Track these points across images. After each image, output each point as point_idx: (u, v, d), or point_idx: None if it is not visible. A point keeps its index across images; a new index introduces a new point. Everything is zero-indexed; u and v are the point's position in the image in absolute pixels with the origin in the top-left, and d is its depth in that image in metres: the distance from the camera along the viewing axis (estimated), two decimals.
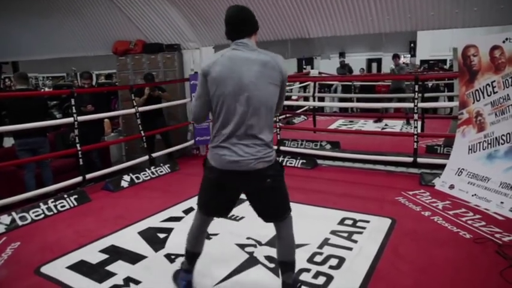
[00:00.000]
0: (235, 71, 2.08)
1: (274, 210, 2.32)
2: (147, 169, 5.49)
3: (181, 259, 3.03)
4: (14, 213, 3.94)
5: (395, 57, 9.25)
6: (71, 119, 4.68)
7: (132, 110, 5.56)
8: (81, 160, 4.68)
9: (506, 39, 3.87)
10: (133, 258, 3.09)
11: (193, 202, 4.34)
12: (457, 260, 2.87)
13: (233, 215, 3.90)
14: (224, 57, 2.12)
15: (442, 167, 4.59)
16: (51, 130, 6.60)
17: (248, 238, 3.34)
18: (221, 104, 2.11)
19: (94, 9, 6.92)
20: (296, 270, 2.75)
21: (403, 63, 13.16)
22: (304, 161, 5.71)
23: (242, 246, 3.20)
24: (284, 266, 2.37)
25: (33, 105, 4.80)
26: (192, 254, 2.51)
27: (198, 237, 2.48)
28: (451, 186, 4.31)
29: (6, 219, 3.86)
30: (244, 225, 3.67)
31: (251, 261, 2.95)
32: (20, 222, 3.90)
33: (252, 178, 2.18)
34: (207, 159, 2.27)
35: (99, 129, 6.18)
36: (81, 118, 4.74)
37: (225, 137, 2.12)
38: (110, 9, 6.71)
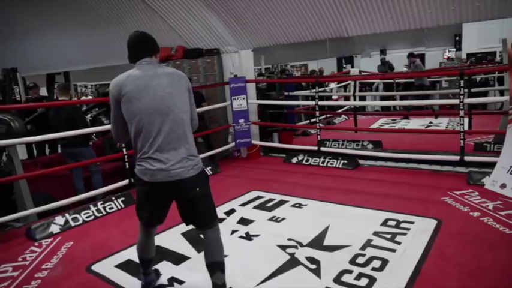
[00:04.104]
0: (148, 87, 2.18)
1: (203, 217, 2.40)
2: None
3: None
4: (67, 215, 4.20)
5: (411, 56, 9.48)
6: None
7: None
8: (127, 164, 4.89)
9: None
10: (177, 258, 3.19)
11: (234, 204, 4.42)
12: (510, 263, 2.72)
13: (274, 216, 3.93)
14: (132, 77, 2.21)
15: (492, 165, 4.35)
16: (100, 135, 6.94)
17: (289, 239, 3.35)
18: (139, 120, 2.18)
19: (136, 18, 7.21)
20: (338, 271, 2.75)
21: (448, 58, 12.70)
22: (346, 161, 5.63)
23: (283, 248, 3.21)
24: (214, 266, 2.36)
25: (59, 118, 4.98)
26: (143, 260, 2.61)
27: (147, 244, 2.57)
28: (503, 186, 4.08)
29: (60, 220, 4.12)
30: (285, 227, 3.68)
31: (292, 262, 2.96)
32: (72, 223, 4.15)
33: (182, 187, 2.25)
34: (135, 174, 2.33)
35: None
36: None
37: (153, 150, 2.19)
38: (152, 18, 6.96)
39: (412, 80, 9.66)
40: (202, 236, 2.48)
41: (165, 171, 2.19)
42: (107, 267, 3.13)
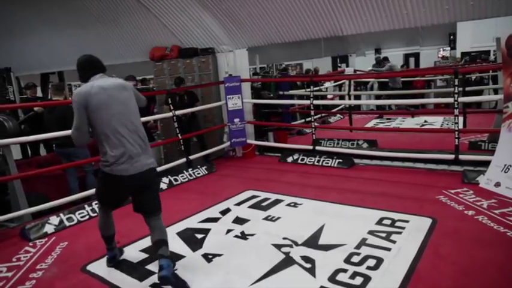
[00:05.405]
0: (112, 96, 2.61)
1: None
2: (184, 171, 5.62)
3: (217, 259, 3.10)
4: (61, 215, 4.18)
5: (385, 60, 10.30)
6: None
7: (169, 114, 5.71)
8: None
9: None
10: (172, 257, 3.17)
11: (230, 203, 4.42)
12: (504, 262, 2.73)
13: (269, 216, 3.93)
14: (95, 87, 2.60)
15: (486, 163, 4.38)
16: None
17: (284, 238, 3.35)
18: (106, 125, 2.59)
19: (131, 17, 7.17)
20: (332, 270, 2.75)
21: (443, 57, 12.79)
22: (341, 160, 5.64)
23: (278, 247, 3.21)
24: (160, 242, 2.75)
25: (51, 118, 4.99)
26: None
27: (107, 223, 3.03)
28: (497, 184, 4.10)
29: (55, 220, 4.10)
30: (281, 226, 3.68)
31: (287, 262, 2.96)
32: (67, 223, 4.13)
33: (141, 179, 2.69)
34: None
35: None
36: None
37: (120, 152, 2.61)
38: (146, 17, 6.93)
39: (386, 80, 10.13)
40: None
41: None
42: (102, 267, 3.12)
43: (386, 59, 10.34)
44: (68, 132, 4.47)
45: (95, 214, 4.36)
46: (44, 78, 10.36)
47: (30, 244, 3.71)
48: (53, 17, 8.18)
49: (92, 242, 3.63)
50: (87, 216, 4.31)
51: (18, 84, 9.01)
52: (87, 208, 4.39)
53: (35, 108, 5.81)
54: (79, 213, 4.28)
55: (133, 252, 3.31)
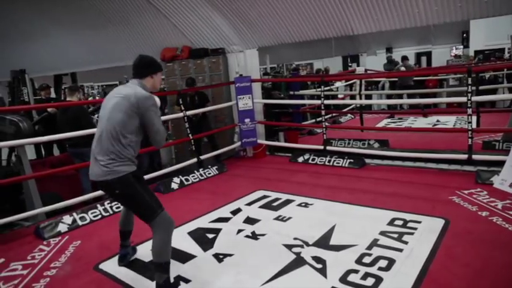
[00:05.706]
0: (107, 101, 2.63)
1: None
2: (195, 171, 5.65)
3: (228, 259, 3.11)
4: (74, 214, 4.23)
5: (405, 59, 9.98)
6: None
7: (180, 114, 5.75)
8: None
9: None
10: (184, 257, 3.20)
11: (240, 203, 4.43)
12: None
13: (280, 216, 3.93)
14: (111, 93, 2.68)
15: (500, 164, 4.31)
16: None
17: (295, 239, 3.35)
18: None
19: (141, 18, 7.23)
20: (343, 271, 2.74)
21: (456, 55, 12.63)
22: (352, 160, 5.61)
23: (289, 247, 3.21)
24: (153, 266, 2.64)
25: (64, 118, 5.06)
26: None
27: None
28: None
29: (68, 219, 4.15)
30: (291, 226, 3.68)
31: (298, 262, 2.95)
32: (80, 222, 4.18)
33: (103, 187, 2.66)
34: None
35: None
36: None
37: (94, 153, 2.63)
38: (157, 18, 6.98)
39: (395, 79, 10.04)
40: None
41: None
42: (114, 266, 3.15)
43: (406, 58, 10.11)
44: (81, 132, 4.60)
45: (107, 214, 4.42)
46: (57, 80, 10.50)
47: (45, 243, 3.77)
48: (65, 19, 8.29)
49: (104, 241, 3.68)
50: (100, 216, 4.36)
51: (32, 85, 9.14)
52: (100, 208, 4.44)
53: (49, 109, 5.90)
54: (92, 213, 4.34)
55: (145, 252, 3.33)
